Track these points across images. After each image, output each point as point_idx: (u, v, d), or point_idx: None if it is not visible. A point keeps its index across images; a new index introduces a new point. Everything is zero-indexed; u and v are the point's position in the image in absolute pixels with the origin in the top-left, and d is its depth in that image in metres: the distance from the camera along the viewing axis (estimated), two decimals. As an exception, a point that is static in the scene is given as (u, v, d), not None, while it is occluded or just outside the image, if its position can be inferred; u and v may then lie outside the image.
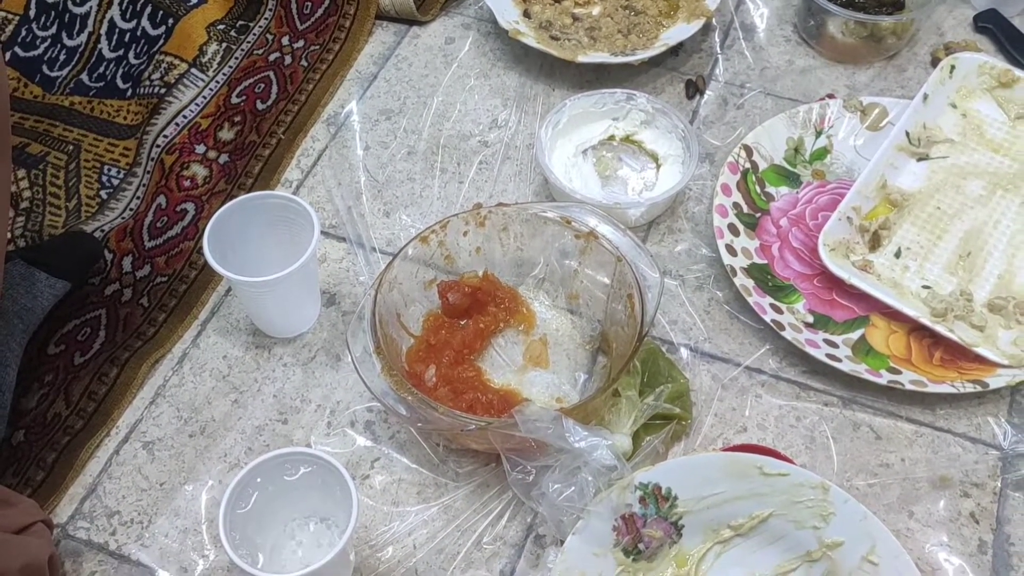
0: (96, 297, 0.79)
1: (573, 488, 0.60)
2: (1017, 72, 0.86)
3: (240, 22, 0.98)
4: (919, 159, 0.85)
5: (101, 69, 0.93)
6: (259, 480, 0.61)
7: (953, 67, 0.87)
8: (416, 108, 0.94)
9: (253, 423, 0.74)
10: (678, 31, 0.95)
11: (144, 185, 0.86)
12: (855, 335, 0.77)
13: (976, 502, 0.69)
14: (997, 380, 0.72)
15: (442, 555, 0.67)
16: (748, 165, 0.86)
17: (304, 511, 0.65)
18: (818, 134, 0.89)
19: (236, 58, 0.95)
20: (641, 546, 0.63)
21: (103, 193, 0.86)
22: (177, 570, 0.67)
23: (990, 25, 1.00)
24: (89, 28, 0.94)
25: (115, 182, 0.87)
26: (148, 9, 0.94)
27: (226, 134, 0.89)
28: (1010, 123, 0.86)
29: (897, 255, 0.81)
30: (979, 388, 0.72)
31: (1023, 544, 0.68)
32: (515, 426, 0.60)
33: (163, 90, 0.90)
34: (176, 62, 0.92)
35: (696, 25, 0.95)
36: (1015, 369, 0.73)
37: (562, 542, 0.62)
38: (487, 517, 0.68)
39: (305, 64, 0.95)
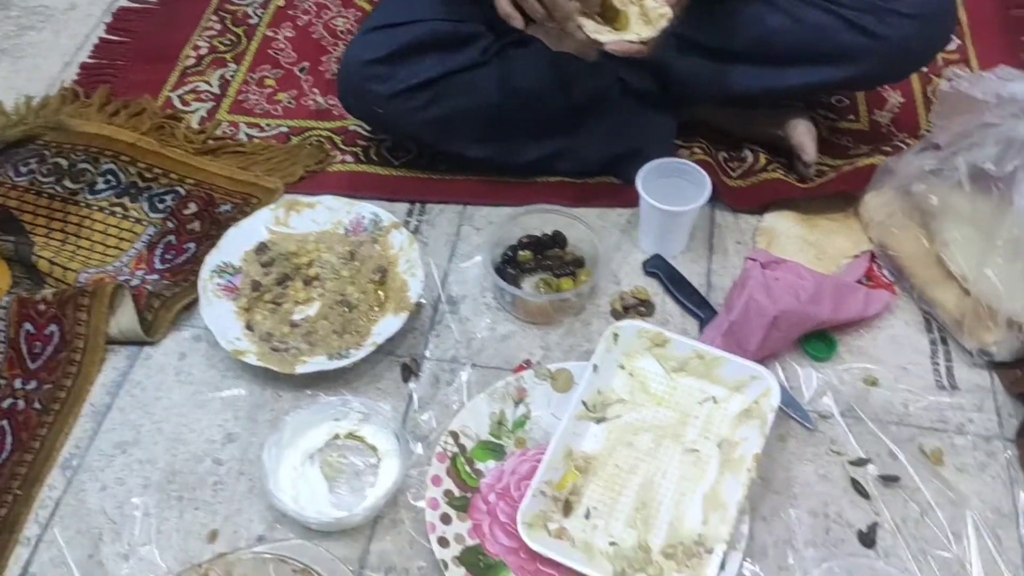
0: None
1: None
2: (667, 334, 1.02)
3: (-29, 369, 1.03)
4: (598, 422, 0.99)
5: None
6: None
7: (616, 335, 1.02)
8: (151, 435, 1.01)
9: None
10: (387, 324, 1.07)
11: None
12: (559, 602, 0.89)
13: None
14: (671, 632, 0.85)
15: None
16: (456, 449, 0.98)
17: None
18: (517, 404, 1.02)
19: (-31, 413, 1.00)
20: None
21: None
22: None
23: (656, 270, 1.18)
24: None
25: None
26: None
27: (-39, 501, 0.93)
28: (668, 376, 1.02)
29: (587, 516, 0.94)
30: (657, 643, 0.84)
31: None
32: None
33: None
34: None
35: (402, 317, 1.07)
36: (685, 617, 0.86)
37: None
38: None
39: (39, 407, 1.00)
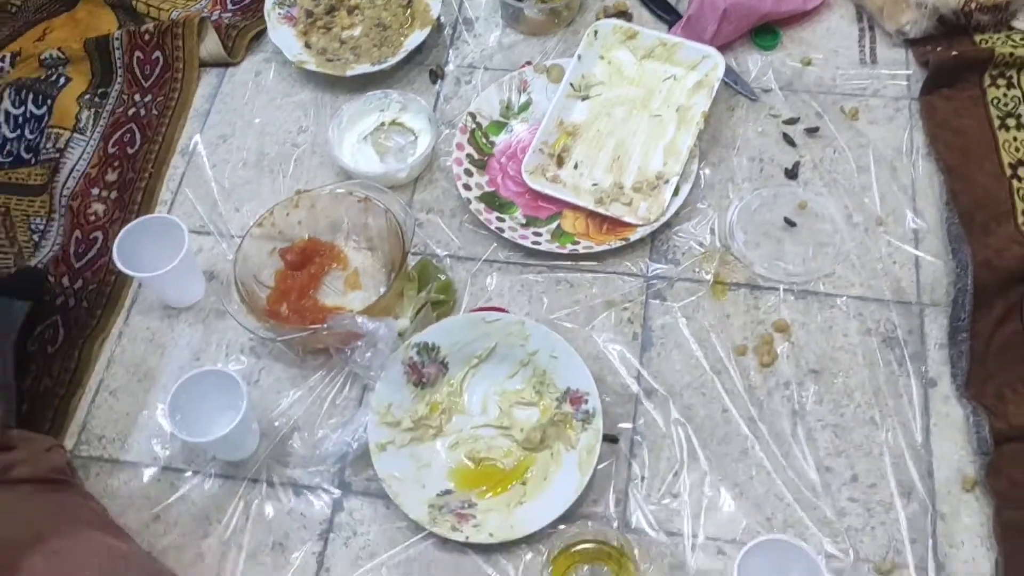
0: (51, 308, 1.16)
1: (371, 353, 1.01)
2: (636, 28, 1.28)
3: (101, 89, 1.34)
4: (583, 99, 1.27)
5: (8, 147, 1.28)
6: (186, 393, 1.00)
7: (596, 31, 1.28)
8: (243, 130, 1.32)
9: (177, 364, 1.13)
10: (415, 38, 1.34)
11: (62, 226, 1.23)
12: (554, 225, 1.20)
13: (631, 312, 1.13)
14: (635, 236, 1.16)
15: (313, 414, 1.08)
16: (474, 125, 1.27)
17: (221, 405, 1.05)
18: (521, 93, 1.30)
19: (104, 118, 1.31)
20: (424, 380, 1.06)
21: (35, 237, 1.23)
22: (150, 459, 1.07)
23: (635, -15, 1.42)
24: (-10, 118, 1.29)
25: (41, 227, 1.24)
26: (31, 96, 1.29)
27: (111, 176, 1.26)
28: (638, 62, 1.29)
29: (575, 167, 1.23)
30: (624, 243, 1.16)
31: (659, 330, 1.12)
32: (332, 327, 1.02)
33: (57, 154, 1.26)
34: (61, 131, 1.28)
35: (426, 31, 1.34)
36: (645, 226, 1.17)
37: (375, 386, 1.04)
38: (335, 387, 1.10)
39: (156, 112, 1.31)
